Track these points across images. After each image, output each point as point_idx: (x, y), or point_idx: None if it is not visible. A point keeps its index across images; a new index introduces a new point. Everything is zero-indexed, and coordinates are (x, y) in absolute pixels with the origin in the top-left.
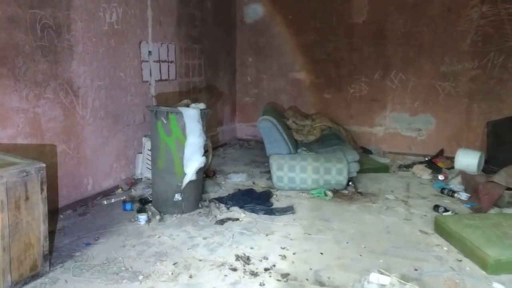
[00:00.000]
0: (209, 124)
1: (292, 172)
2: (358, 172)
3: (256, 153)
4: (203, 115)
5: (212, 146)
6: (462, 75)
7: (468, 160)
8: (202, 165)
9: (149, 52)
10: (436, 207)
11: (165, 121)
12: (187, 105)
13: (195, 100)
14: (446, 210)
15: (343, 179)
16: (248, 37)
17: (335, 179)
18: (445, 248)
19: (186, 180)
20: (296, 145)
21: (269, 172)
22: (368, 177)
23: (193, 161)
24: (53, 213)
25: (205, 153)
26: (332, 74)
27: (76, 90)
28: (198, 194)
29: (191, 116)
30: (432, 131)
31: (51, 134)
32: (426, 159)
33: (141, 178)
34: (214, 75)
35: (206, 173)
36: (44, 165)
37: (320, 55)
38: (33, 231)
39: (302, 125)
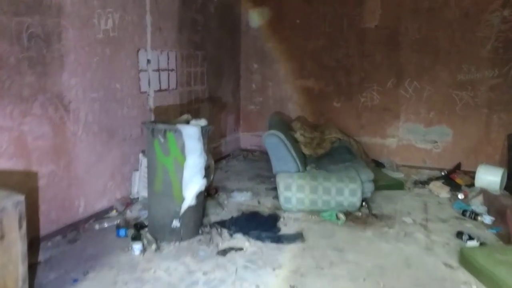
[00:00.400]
0: (212, 135)
1: (301, 193)
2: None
3: (261, 166)
4: (204, 132)
5: (215, 158)
6: (481, 84)
7: (489, 177)
8: (203, 188)
9: (148, 61)
10: (459, 234)
11: (162, 140)
12: (187, 121)
13: (197, 110)
14: (470, 238)
15: (356, 200)
16: (253, 42)
17: (348, 201)
18: (474, 287)
19: (185, 205)
20: (305, 161)
21: (275, 189)
22: (382, 195)
23: (193, 184)
24: (39, 241)
25: (207, 169)
26: (342, 82)
27: (67, 105)
28: (198, 218)
29: (191, 135)
30: (449, 143)
31: (38, 153)
32: (443, 173)
33: (138, 198)
34: (217, 83)
35: (207, 191)
36: (22, 197)
37: (329, 61)
38: (10, 274)
39: (310, 137)
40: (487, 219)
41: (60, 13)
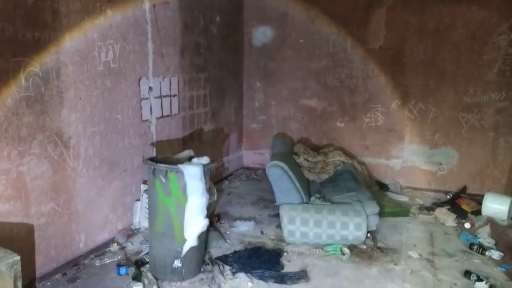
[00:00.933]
0: (215, 154)
1: (305, 227)
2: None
3: (263, 187)
4: (207, 171)
5: (218, 178)
6: (487, 106)
7: (497, 206)
8: (205, 228)
9: (150, 88)
10: (467, 274)
11: (164, 180)
12: (189, 157)
13: (200, 133)
14: (479, 279)
15: (361, 234)
16: (256, 60)
17: (352, 235)
18: None
19: (187, 247)
20: (309, 187)
21: (278, 215)
22: (387, 223)
23: (194, 225)
24: (40, 280)
25: (209, 195)
26: (346, 102)
27: (67, 141)
28: (201, 257)
29: (193, 175)
30: (454, 165)
31: (37, 193)
32: (448, 196)
33: (139, 228)
34: (220, 103)
35: (209, 219)
36: (18, 257)
37: (333, 81)
38: None
39: (314, 162)
40: (496, 254)
41: (58, 49)
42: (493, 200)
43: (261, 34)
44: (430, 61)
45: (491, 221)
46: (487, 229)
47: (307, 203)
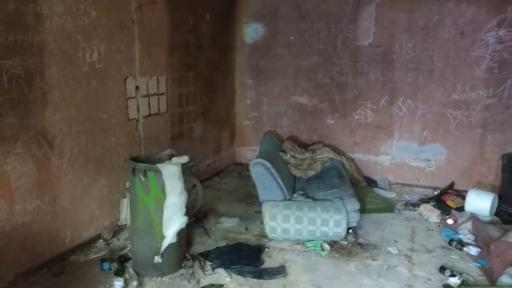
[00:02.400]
0: (206, 151)
1: (287, 223)
2: (361, 212)
3: (253, 183)
4: (186, 170)
5: (209, 174)
6: (475, 103)
7: (479, 203)
8: (184, 225)
9: (136, 87)
10: (442, 269)
11: (143, 179)
12: (170, 156)
13: (190, 130)
14: (452, 275)
15: (341, 231)
16: (248, 58)
17: (333, 231)
18: None
19: (166, 243)
20: (294, 184)
21: None
22: (371, 219)
23: (173, 222)
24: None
25: (193, 188)
26: (336, 99)
27: (51, 140)
28: (181, 253)
29: (171, 174)
30: (442, 162)
31: (22, 191)
32: (435, 192)
33: (126, 224)
34: (211, 101)
35: (196, 216)
36: None
37: (323, 78)
38: None
39: (301, 158)
40: (473, 250)
41: (42, 52)
42: (476, 197)
43: (253, 32)
44: (419, 58)
45: (473, 217)
46: (468, 225)
47: (289, 200)
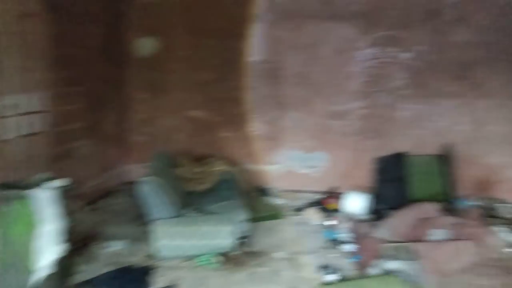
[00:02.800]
0: (93, 171)
1: (178, 240)
2: (252, 221)
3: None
4: (64, 193)
5: (97, 196)
6: (353, 113)
7: (356, 203)
8: (62, 254)
9: (8, 106)
10: (322, 268)
11: (9, 207)
12: (45, 180)
13: (74, 150)
14: (331, 272)
15: (231, 242)
16: (141, 72)
17: (223, 243)
18: None
19: (38, 277)
20: (186, 200)
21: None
22: (261, 227)
23: (47, 253)
24: None
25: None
26: (230, 113)
27: None
28: (60, 284)
29: (43, 200)
30: (326, 168)
31: None
32: (320, 197)
33: None
34: (99, 117)
35: (79, 242)
36: None
37: (218, 93)
38: None
39: (195, 172)
40: (351, 247)
41: None
42: (352, 198)
43: (145, 45)
44: (305, 74)
45: (351, 217)
46: (347, 225)
47: (180, 216)
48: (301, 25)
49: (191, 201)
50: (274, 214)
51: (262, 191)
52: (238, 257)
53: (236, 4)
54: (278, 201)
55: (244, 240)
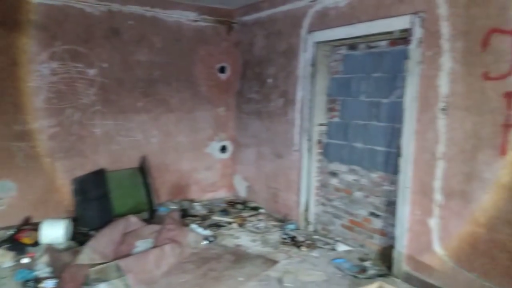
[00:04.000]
0: None
1: None
2: None
3: None
4: None
5: None
6: (40, 133)
7: (53, 231)
8: None
9: None
10: None
11: None
12: None
13: None
14: None
15: None
16: None
17: None
18: None
19: None
20: None
21: None
22: None
23: None
24: None
25: None
26: None
27: None
28: None
29: None
30: (14, 198)
31: None
32: (9, 233)
33: None
34: None
35: None
36: None
37: None
38: None
39: None
40: (50, 283)
41: None
42: (49, 227)
43: None
44: None
45: (49, 249)
46: (45, 258)
47: None
48: None
49: None
50: None
51: None
52: None
53: None
54: None
55: None
